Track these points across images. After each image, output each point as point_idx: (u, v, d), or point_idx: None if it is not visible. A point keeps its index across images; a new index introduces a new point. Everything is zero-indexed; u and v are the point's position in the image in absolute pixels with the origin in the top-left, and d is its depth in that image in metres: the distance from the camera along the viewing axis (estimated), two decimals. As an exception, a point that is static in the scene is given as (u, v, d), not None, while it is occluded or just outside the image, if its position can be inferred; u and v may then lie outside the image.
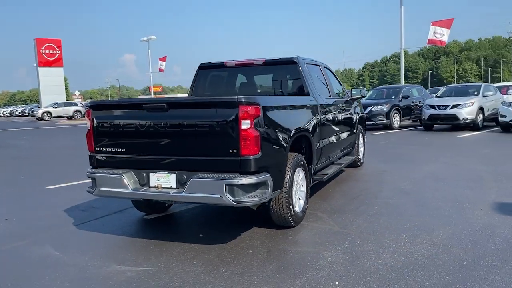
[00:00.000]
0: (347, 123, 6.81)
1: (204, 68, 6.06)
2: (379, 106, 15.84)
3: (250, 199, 3.70)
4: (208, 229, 4.65)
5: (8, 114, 55.17)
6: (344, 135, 6.60)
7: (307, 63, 5.65)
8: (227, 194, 3.62)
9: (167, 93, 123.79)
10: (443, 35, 23.30)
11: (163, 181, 4.00)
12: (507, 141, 11.44)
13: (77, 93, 73.62)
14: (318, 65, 6.14)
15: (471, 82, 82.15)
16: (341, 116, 6.41)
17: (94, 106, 4.29)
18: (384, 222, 4.56)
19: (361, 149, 7.93)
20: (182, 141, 3.88)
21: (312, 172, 5.12)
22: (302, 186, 4.69)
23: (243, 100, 3.62)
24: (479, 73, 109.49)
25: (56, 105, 40.40)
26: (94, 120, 4.24)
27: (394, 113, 16.09)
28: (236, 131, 3.63)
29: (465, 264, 3.40)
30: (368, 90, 19.38)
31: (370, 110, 15.61)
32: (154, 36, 45.74)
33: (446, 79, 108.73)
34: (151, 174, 4.05)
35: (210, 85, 6.04)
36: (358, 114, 7.65)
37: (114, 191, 4.10)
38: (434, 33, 23.35)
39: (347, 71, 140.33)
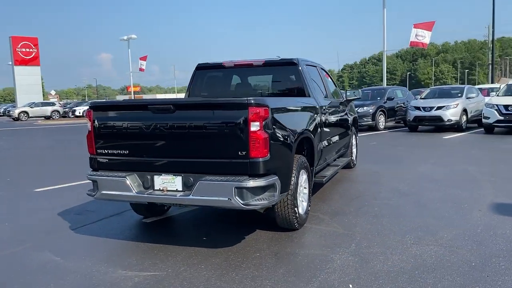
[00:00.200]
0: (343, 124, 6.83)
1: (201, 68, 5.94)
2: (365, 108, 15.94)
3: (259, 202, 3.64)
4: (210, 231, 4.57)
5: (-19, 114, 53.53)
6: (340, 136, 6.61)
7: (306, 64, 5.63)
8: (236, 197, 3.55)
9: (145, 93, 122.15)
10: (425, 37, 23.76)
11: (168, 183, 3.90)
12: (492, 142, 11.69)
13: (53, 92, 71.76)
14: (315, 66, 6.13)
15: (448, 84, 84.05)
16: (337, 118, 6.42)
17: (96, 107, 4.16)
18: (387, 224, 4.57)
19: (354, 150, 7.96)
20: (189, 143, 3.79)
21: (313, 174, 5.10)
22: (305, 188, 4.66)
23: (252, 101, 3.57)
24: (456, 75, 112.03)
25: (33, 104, 39.36)
26: (96, 121, 4.10)
27: (380, 114, 16.24)
28: (245, 133, 3.57)
29: (473, 265, 3.44)
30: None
31: (356, 111, 15.70)
32: (135, 35, 45.20)
33: (424, 80, 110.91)
34: (155, 177, 3.95)
35: (208, 86, 5.93)
36: (352, 115, 7.68)
37: (117, 194, 3.96)
38: (416, 35, 23.78)
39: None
